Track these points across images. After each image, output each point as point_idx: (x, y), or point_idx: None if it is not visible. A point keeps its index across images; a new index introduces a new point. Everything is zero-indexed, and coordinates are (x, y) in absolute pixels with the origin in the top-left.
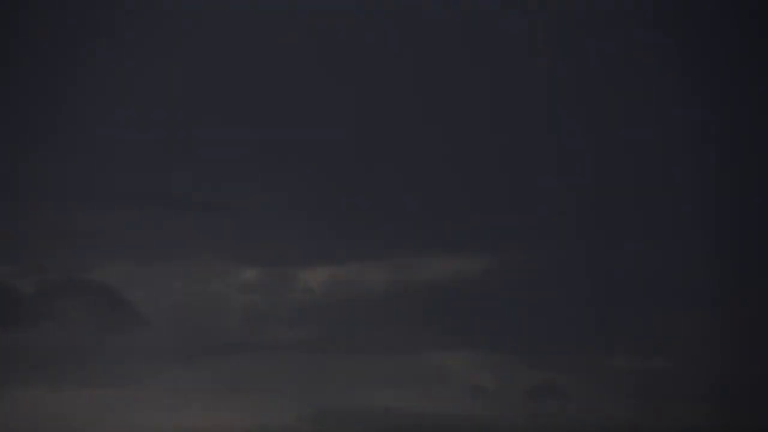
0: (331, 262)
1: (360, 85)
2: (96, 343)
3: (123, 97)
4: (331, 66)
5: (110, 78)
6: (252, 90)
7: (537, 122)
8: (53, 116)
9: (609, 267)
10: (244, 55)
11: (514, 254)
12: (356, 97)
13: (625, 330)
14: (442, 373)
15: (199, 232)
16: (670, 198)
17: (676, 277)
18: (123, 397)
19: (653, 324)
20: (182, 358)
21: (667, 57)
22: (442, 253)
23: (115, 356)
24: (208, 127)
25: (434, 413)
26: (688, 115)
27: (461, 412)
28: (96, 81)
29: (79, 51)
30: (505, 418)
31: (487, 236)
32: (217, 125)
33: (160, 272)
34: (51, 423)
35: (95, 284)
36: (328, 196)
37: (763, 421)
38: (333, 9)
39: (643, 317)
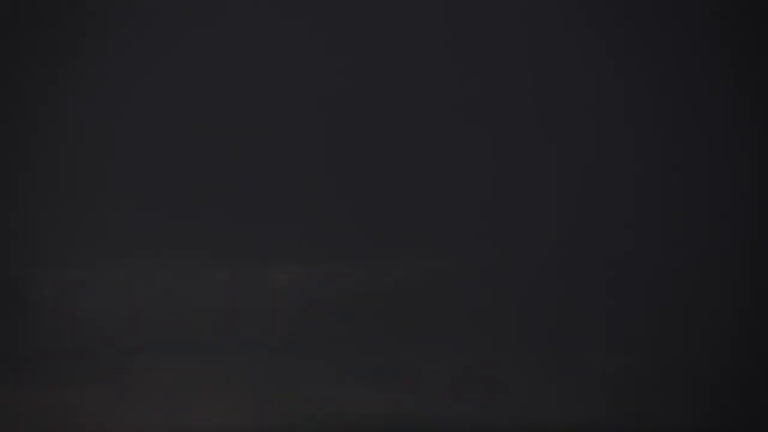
0: (303, 262)
1: (337, 82)
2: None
3: (98, 92)
4: (311, 66)
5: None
6: (226, 85)
7: (518, 120)
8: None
9: (586, 266)
10: (220, 51)
11: (488, 253)
12: (333, 95)
13: (593, 328)
14: (421, 373)
15: (169, 230)
16: (641, 195)
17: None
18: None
19: (619, 321)
20: (150, 358)
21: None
22: (415, 252)
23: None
24: (177, 124)
25: (414, 413)
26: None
27: (439, 410)
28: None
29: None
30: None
31: (460, 236)
32: (189, 122)
33: (125, 271)
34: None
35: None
36: (300, 195)
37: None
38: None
39: (611, 315)
